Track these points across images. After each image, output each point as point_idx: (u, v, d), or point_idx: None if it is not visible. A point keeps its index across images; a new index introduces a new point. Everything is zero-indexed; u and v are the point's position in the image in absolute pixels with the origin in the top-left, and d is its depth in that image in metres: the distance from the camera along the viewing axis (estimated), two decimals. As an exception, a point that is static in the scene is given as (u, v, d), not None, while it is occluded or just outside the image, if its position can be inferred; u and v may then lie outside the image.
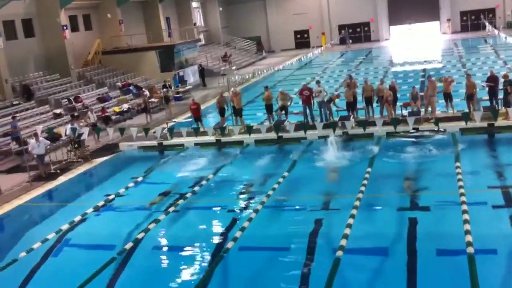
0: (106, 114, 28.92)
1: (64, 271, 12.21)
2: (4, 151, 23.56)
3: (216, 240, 13.15)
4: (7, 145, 24.15)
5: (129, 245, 13.20)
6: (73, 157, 22.51)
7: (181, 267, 11.94)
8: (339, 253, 11.32)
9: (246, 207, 15.24)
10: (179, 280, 11.39)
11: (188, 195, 16.84)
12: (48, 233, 14.58)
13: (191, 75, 41.56)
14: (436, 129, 20.69)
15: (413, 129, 20.97)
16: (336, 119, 23.18)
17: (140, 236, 13.76)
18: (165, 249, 13.35)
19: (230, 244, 12.53)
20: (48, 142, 20.23)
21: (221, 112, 24.37)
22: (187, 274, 11.58)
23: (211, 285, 11.11)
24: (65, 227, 15.06)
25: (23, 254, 13.43)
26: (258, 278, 11.37)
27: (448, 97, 22.01)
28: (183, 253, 12.70)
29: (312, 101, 23.16)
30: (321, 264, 11.32)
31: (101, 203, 16.89)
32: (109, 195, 17.67)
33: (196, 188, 17.45)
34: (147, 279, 11.71)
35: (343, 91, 24.81)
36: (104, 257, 12.51)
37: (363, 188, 15.26)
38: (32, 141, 19.80)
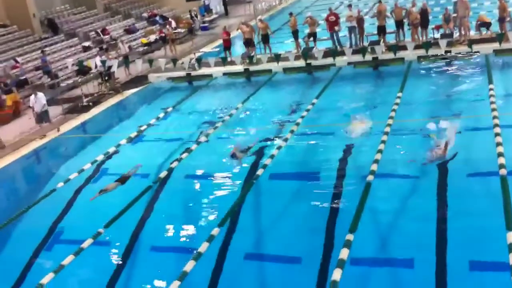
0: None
1: (100, 201, 12.64)
2: (37, 85, 23.92)
3: (246, 167, 13.33)
4: (39, 79, 24.50)
5: (163, 174, 13.55)
6: (104, 90, 22.78)
7: (213, 195, 12.22)
8: (370, 177, 11.41)
9: (275, 135, 15.32)
10: (211, 207, 11.68)
11: (218, 124, 17.00)
12: (84, 164, 15.03)
13: (216, 4, 40.85)
14: (469, 51, 20.14)
15: (445, 51, 20.45)
16: (366, 44, 22.71)
17: (173, 165, 14.09)
18: (197, 177, 13.63)
19: (260, 171, 12.74)
20: (44, 102, 18.62)
21: (248, 41, 24.06)
22: (219, 201, 11.86)
23: (243, 211, 11.40)
24: (100, 157, 15.48)
25: (60, 184, 13.95)
26: (289, 204, 11.58)
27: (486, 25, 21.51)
28: (215, 181, 12.96)
29: (338, 27, 22.63)
30: (351, 189, 11.44)
31: (133, 134, 17.22)
32: (141, 126, 17.96)
33: (226, 118, 17.58)
34: (180, 207, 12.05)
35: (372, 15, 24.16)
36: (140, 186, 12.91)
37: (393, 114, 15.14)
38: (31, 97, 18.79)
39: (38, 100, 18.34)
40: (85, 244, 10.51)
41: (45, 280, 9.43)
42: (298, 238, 10.11)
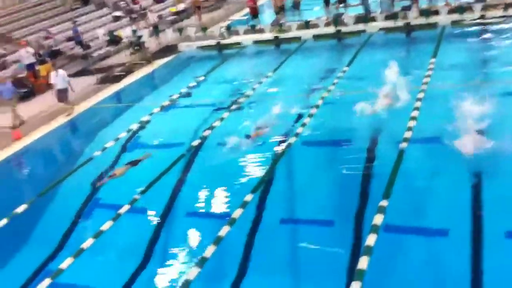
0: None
1: (136, 168, 12.93)
2: (69, 55, 24.28)
3: (278, 135, 13.40)
4: (71, 49, 24.84)
5: (196, 142, 13.75)
6: (135, 59, 23.00)
7: (246, 162, 12.35)
8: (403, 145, 11.38)
9: (307, 103, 15.32)
10: (245, 174, 11.82)
11: (249, 92, 17.07)
12: (119, 132, 15.35)
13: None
14: (504, 15, 19.61)
15: (480, 16, 19.96)
16: (398, 9, 22.31)
17: (206, 133, 14.27)
18: (229, 145, 13.74)
19: (292, 139, 12.81)
20: (68, 79, 18.11)
21: (280, 8, 23.85)
22: (252, 168, 12.00)
23: (276, 178, 11.53)
24: (134, 126, 15.77)
25: (98, 153, 14.29)
26: (322, 170, 11.64)
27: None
28: (248, 148, 13.03)
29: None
30: (384, 156, 11.44)
31: (166, 102, 17.44)
32: (173, 95, 18.15)
33: (256, 86, 17.62)
34: (213, 174, 12.22)
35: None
36: (174, 154, 13.15)
37: (427, 80, 14.97)
38: (52, 73, 18.18)
39: (60, 76, 17.81)
40: (122, 210, 10.85)
41: (85, 245, 9.79)
42: (332, 203, 10.19)
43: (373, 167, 11.16)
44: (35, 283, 9.01)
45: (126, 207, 10.94)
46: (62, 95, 17.92)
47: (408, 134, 11.77)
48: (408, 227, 9.02)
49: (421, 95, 13.86)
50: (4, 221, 11.28)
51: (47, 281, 8.95)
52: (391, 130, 12.60)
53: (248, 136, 12.83)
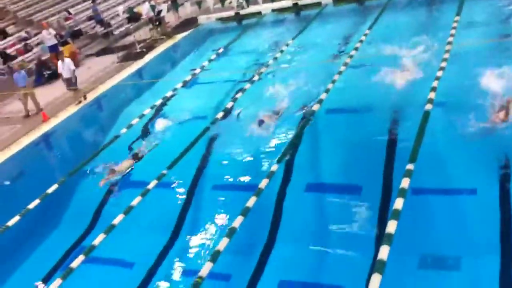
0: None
1: (162, 143, 13.07)
2: (90, 35, 24.40)
3: (301, 103, 13.32)
4: (92, 28, 24.94)
5: (219, 115, 13.77)
6: (156, 35, 23.00)
7: (270, 131, 12.32)
8: (428, 106, 11.20)
9: (330, 69, 15.15)
10: (269, 144, 11.81)
11: (270, 62, 16.95)
12: (143, 109, 15.45)
13: None
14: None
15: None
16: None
17: (229, 105, 14.28)
18: (253, 115, 13.71)
19: (316, 107, 12.73)
20: (73, 68, 17.81)
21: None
22: (276, 138, 11.98)
23: (301, 147, 11.50)
24: (158, 102, 15.86)
25: (124, 130, 14.45)
26: (347, 136, 11.55)
27: None
28: (272, 118, 12.96)
29: None
30: (410, 119, 11.28)
31: (188, 77, 17.45)
32: (194, 69, 18.15)
33: (278, 55, 17.47)
34: (238, 145, 12.23)
35: None
36: (198, 128, 13.21)
37: (451, 39, 14.62)
38: (59, 63, 18.00)
39: (66, 65, 17.65)
40: (150, 186, 10.99)
41: (116, 221, 9.97)
42: (358, 168, 10.12)
43: (399, 130, 11.02)
44: (69, 260, 9.24)
45: (154, 182, 11.07)
46: (69, 83, 17.86)
47: (433, 95, 11.55)
48: (435, 189, 8.94)
49: (446, 55, 13.55)
50: (37, 201, 11.55)
51: (81, 257, 9.17)
52: (416, 93, 12.37)
53: (261, 122, 12.43)
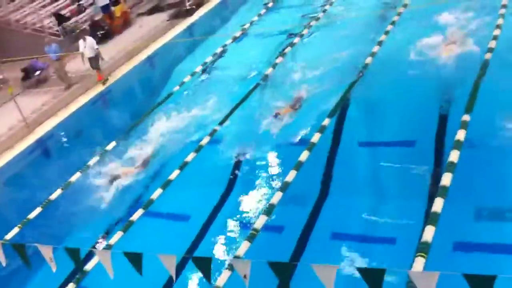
0: None
1: (213, 100, 13.21)
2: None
3: (352, 55, 13.10)
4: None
5: (269, 70, 13.75)
6: (205, -9, 22.87)
7: (321, 84, 12.19)
8: (488, 55, 10.81)
9: (382, 20, 14.75)
10: (321, 98, 11.70)
11: (320, 15, 16.67)
12: (195, 66, 15.61)
13: None
14: None
15: None
16: None
17: (278, 60, 14.22)
18: (303, 69, 13.59)
19: (369, 59, 12.51)
20: (96, 47, 16.86)
21: None
22: (328, 92, 11.86)
23: (353, 102, 11.37)
24: (209, 59, 15.96)
25: (176, 88, 14.68)
26: (399, 91, 11.27)
27: None
28: (322, 71, 12.82)
29: None
30: (466, 68, 10.90)
31: (238, 33, 17.41)
32: (244, 24, 18.06)
33: (327, 7, 17.16)
34: (289, 99, 12.18)
35: None
36: (249, 84, 13.26)
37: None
38: (80, 41, 16.94)
39: (88, 44, 16.74)
40: (203, 142, 11.31)
41: (172, 176, 10.28)
42: (411, 122, 9.93)
43: (455, 80, 10.68)
44: (130, 213, 9.64)
45: (207, 139, 11.28)
46: (93, 63, 17.02)
47: (492, 44, 11.10)
48: (492, 140, 8.70)
49: (505, 1, 12.93)
50: (96, 158, 12.00)
51: (140, 211, 9.56)
52: (474, 42, 11.88)
53: (276, 115, 11.34)
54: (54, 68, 17.44)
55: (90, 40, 16.96)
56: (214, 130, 11.60)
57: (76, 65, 17.74)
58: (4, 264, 6.25)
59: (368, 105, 11.31)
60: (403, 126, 9.97)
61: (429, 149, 8.88)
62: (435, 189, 7.65)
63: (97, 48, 16.91)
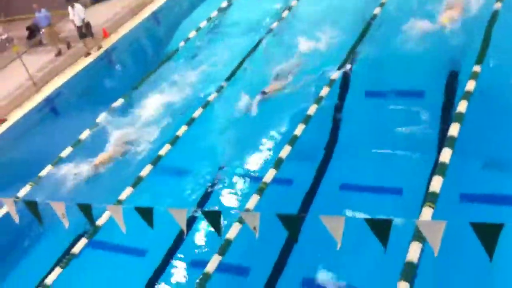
0: None
1: (218, 56, 13.09)
2: None
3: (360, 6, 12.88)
4: None
5: (275, 24, 13.57)
6: None
7: (331, 37, 11.99)
8: (497, 5, 10.57)
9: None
10: (327, 50, 11.54)
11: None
12: (199, 21, 15.43)
13: None
14: None
15: None
16: None
17: (284, 14, 14.04)
18: (309, 23, 13.36)
19: (377, 10, 12.29)
20: (83, 16, 15.85)
21: None
22: (334, 42, 11.67)
23: (362, 51, 11.22)
24: (214, 14, 15.75)
25: (182, 43, 14.58)
26: (411, 44, 11.00)
27: None
28: (334, 23, 12.52)
29: None
30: (477, 18, 10.67)
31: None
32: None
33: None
34: (295, 52, 12.04)
35: None
36: (254, 38, 13.15)
37: None
38: (69, 8, 16.00)
39: (77, 12, 15.81)
40: (211, 98, 11.26)
41: (180, 132, 10.35)
42: (421, 73, 9.76)
43: (466, 32, 10.48)
44: (139, 169, 9.75)
45: (214, 95, 11.29)
46: (82, 31, 16.14)
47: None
48: (503, 92, 8.60)
49: None
50: (104, 115, 12.06)
51: (149, 167, 9.67)
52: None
53: (264, 93, 10.68)
54: (45, 34, 16.78)
55: (78, 7, 15.91)
56: (221, 86, 11.56)
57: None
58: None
59: (376, 57, 11.13)
60: (412, 77, 9.82)
61: (438, 100, 8.80)
62: (443, 140, 7.64)
63: (84, 19, 15.88)
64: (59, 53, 16.52)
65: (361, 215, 6.78)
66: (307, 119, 9.26)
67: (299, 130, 9.04)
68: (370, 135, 8.74)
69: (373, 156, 8.20)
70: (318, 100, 9.72)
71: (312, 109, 9.47)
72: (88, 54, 16.23)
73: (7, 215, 6.75)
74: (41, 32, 16.11)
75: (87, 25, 16.10)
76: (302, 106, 9.72)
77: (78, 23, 15.88)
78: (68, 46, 16.63)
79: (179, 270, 7.43)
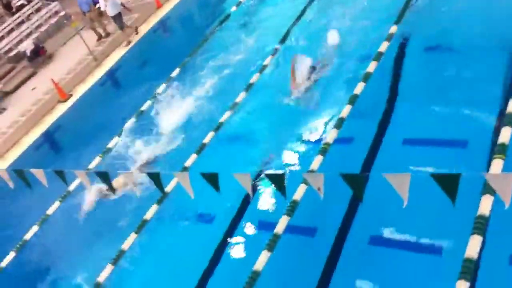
0: None
1: (273, 14, 12.95)
2: None
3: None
4: None
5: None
6: None
7: None
8: None
9: None
10: (385, 4, 11.26)
11: None
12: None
13: None
14: None
15: None
16: None
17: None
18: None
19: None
20: (119, 3, 15.41)
21: None
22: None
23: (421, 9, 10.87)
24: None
25: (234, 8, 14.57)
26: None
27: None
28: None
29: None
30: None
31: None
32: None
33: None
34: (351, 8, 11.77)
35: None
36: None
37: None
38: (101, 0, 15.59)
39: (109, 2, 15.17)
40: (266, 61, 11.28)
41: (238, 99, 10.41)
42: (485, 26, 9.25)
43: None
44: (203, 136, 9.91)
45: (269, 58, 11.22)
46: (116, 22, 15.71)
47: None
48: None
49: None
50: (163, 86, 12.27)
51: (211, 133, 9.83)
52: None
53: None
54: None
55: None
56: (276, 49, 11.50)
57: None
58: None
59: (436, 10, 10.70)
60: (474, 33, 9.32)
61: (502, 54, 8.40)
62: (510, 90, 7.35)
63: (118, 5, 15.30)
64: (99, 38, 16.72)
65: (426, 170, 6.71)
66: (366, 77, 9.10)
67: (359, 88, 8.91)
68: (431, 88, 8.49)
69: (436, 109, 7.98)
70: (377, 57, 9.51)
71: (371, 67, 9.28)
72: (129, 42, 15.97)
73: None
74: (97, 6, 16.46)
75: (118, 16, 15.56)
76: (360, 65, 9.54)
77: (114, 13, 15.28)
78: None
79: (248, 233, 7.60)
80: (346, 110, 8.57)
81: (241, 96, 10.49)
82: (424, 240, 6.21)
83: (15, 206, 10.40)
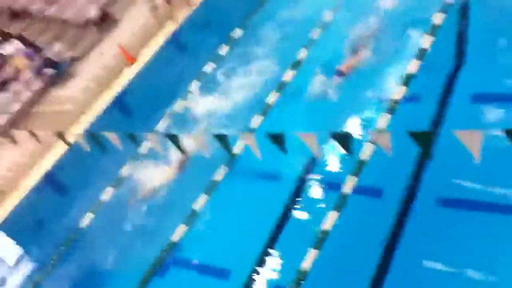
0: None
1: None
2: None
3: None
4: None
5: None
6: None
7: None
8: None
9: None
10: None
11: None
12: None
13: None
14: None
15: None
16: None
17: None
18: None
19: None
20: None
21: None
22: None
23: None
24: None
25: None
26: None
27: None
28: None
29: None
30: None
31: None
32: None
33: None
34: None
35: None
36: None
37: None
38: None
39: None
40: (315, 33, 10.91)
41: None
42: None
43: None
44: (266, 96, 9.95)
45: (318, 31, 10.97)
46: None
47: None
48: None
49: None
50: (226, 48, 12.30)
51: (275, 93, 9.82)
52: None
53: (339, 73, 9.55)
54: None
55: None
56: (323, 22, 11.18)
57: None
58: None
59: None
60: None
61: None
62: None
63: None
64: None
65: (499, 127, 6.45)
66: (433, 29, 8.75)
67: (427, 43, 8.60)
68: (500, 46, 8.08)
69: (504, 65, 7.62)
70: (446, 8, 9.10)
71: (438, 18, 8.90)
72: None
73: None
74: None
75: None
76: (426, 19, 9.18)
77: None
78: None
79: (314, 192, 7.66)
80: (414, 64, 8.30)
81: (303, 53, 10.32)
82: (495, 199, 6.06)
83: (91, 168, 10.80)
